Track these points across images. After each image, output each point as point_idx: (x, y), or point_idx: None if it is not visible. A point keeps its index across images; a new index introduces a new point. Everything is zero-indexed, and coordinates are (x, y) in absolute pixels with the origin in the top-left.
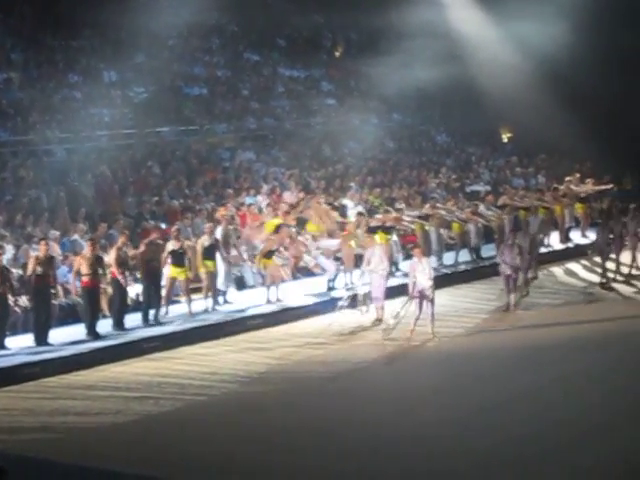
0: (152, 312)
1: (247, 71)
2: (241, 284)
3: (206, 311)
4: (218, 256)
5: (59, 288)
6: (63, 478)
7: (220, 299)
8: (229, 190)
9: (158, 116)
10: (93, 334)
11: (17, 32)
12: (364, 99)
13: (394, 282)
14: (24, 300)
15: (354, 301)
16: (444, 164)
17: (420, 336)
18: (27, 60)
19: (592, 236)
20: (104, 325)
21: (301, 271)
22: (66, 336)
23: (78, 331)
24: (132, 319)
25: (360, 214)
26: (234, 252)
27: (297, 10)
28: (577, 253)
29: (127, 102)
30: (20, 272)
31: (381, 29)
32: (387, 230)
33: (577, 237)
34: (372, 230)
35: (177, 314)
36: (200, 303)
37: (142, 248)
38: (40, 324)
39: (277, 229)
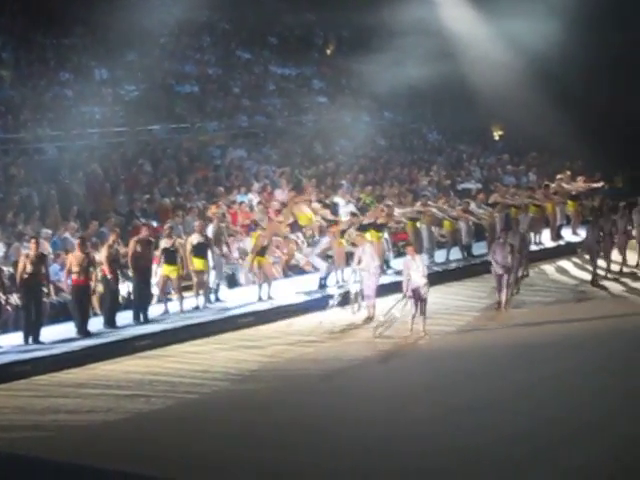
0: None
1: (238, 69)
2: (232, 282)
3: (197, 309)
4: (210, 254)
5: (51, 286)
6: (54, 476)
7: (212, 297)
8: (220, 188)
9: (149, 114)
10: (83, 332)
11: (8, 30)
12: (355, 97)
13: (386, 280)
14: (15, 298)
15: (345, 299)
16: (435, 162)
17: (411, 334)
18: (18, 58)
19: (583, 234)
20: (95, 323)
21: (292, 269)
22: (57, 334)
23: (69, 329)
24: (124, 317)
25: (353, 215)
26: (225, 249)
27: (288, 8)
28: (568, 251)
29: (118, 100)
30: (11, 270)
31: (373, 27)
32: (379, 228)
33: (568, 235)
34: (364, 228)
35: (162, 312)
36: (191, 301)
37: (130, 245)
38: (30, 322)
39: None
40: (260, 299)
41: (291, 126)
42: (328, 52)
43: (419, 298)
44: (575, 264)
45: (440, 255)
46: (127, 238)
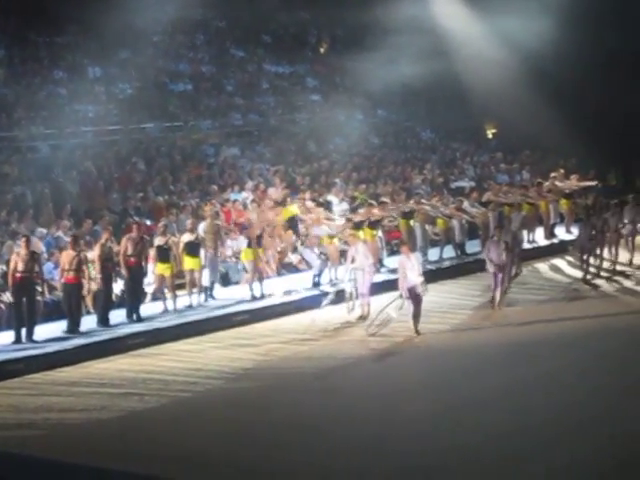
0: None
1: (232, 67)
2: (226, 280)
3: (191, 307)
4: (202, 253)
5: (44, 285)
6: (47, 475)
7: (204, 295)
8: (214, 186)
9: (143, 112)
10: (74, 331)
11: (1, 29)
12: (349, 95)
13: (380, 278)
14: (8, 296)
15: (339, 297)
16: (429, 160)
17: (405, 332)
18: (12, 56)
19: (576, 232)
20: (89, 322)
21: (286, 267)
22: (50, 332)
23: (62, 327)
24: (117, 315)
25: (349, 220)
26: (220, 248)
27: (282, 6)
28: (562, 249)
29: (112, 98)
30: (4, 268)
31: (366, 25)
32: (373, 225)
33: (562, 233)
34: (357, 226)
35: (162, 310)
36: (185, 299)
37: (122, 244)
38: (21, 321)
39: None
40: (253, 298)
41: (285, 124)
42: (322, 50)
43: (415, 297)
44: (568, 262)
45: (433, 253)
46: (120, 236)
